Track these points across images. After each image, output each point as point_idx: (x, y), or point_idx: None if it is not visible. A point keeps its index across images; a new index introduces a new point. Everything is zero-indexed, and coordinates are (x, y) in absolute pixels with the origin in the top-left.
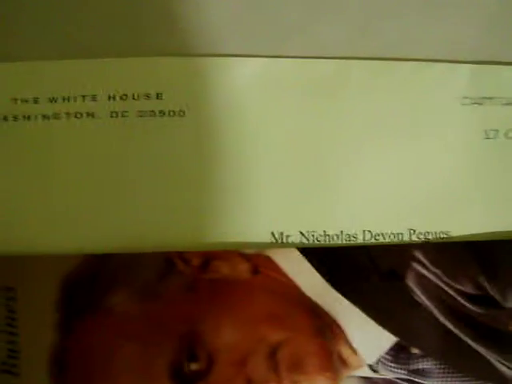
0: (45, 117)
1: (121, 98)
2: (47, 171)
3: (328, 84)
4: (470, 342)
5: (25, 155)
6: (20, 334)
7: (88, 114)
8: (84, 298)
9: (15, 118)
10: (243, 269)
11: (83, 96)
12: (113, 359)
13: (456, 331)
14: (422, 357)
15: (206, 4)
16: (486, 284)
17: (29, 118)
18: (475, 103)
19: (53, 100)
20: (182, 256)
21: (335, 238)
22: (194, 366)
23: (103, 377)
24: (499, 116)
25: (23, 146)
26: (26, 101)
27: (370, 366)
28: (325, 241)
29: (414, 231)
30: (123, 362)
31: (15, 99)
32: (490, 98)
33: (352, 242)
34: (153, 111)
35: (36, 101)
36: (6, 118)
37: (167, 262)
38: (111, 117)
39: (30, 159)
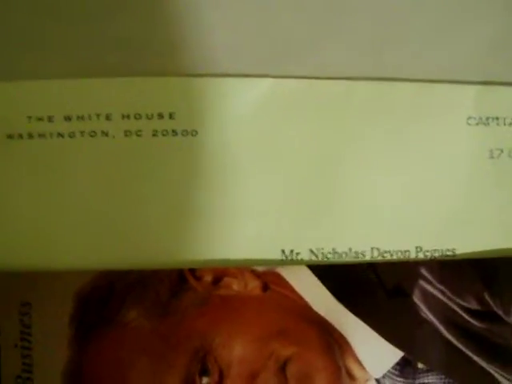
0: (59, 135)
1: (134, 117)
2: (62, 189)
3: (336, 104)
4: (474, 356)
5: (39, 173)
6: (34, 348)
7: (102, 133)
8: (98, 314)
9: (30, 136)
10: (254, 285)
11: (98, 115)
12: (126, 374)
13: (460, 346)
14: (428, 371)
15: (216, 25)
16: (489, 300)
17: (44, 136)
18: (480, 123)
19: (67, 118)
20: (195, 273)
21: (344, 255)
22: (205, 380)
23: None
24: (504, 136)
25: (38, 163)
26: (41, 119)
27: (377, 381)
28: (334, 258)
29: (421, 249)
30: (137, 377)
31: (30, 117)
32: (495, 118)
33: (360, 259)
34: (166, 130)
35: (51, 119)
36: (21, 136)
37: (180, 279)
38: (125, 136)
39: (45, 177)
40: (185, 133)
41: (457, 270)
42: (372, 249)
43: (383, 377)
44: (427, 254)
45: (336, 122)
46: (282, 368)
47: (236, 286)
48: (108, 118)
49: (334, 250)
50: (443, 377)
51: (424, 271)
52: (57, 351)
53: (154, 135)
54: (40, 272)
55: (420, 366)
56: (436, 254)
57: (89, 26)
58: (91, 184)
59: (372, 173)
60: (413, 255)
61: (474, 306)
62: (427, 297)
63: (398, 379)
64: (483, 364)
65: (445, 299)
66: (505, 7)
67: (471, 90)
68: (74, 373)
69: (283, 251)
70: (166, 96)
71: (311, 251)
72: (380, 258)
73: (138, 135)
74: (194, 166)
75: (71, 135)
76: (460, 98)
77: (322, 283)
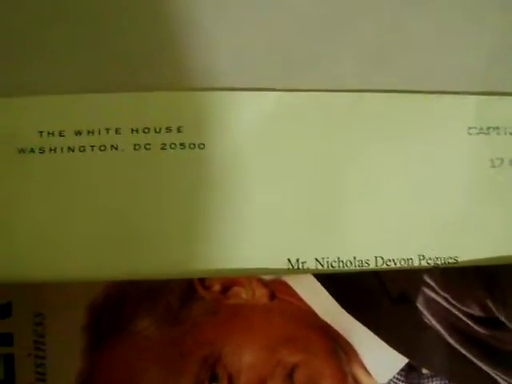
0: (70, 149)
1: (143, 131)
2: (73, 202)
3: (341, 116)
4: (477, 362)
5: (51, 186)
6: (48, 357)
7: (112, 147)
8: (110, 323)
9: (41, 151)
10: (261, 294)
11: (107, 129)
12: (138, 381)
13: (464, 352)
14: (432, 376)
15: (223, 40)
16: (492, 306)
17: (55, 150)
18: (481, 133)
19: (78, 133)
20: (204, 283)
21: (348, 263)
22: None
23: None
24: (504, 145)
25: (49, 177)
26: (52, 134)
27: None
28: (339, 266)
29: (424, 257)
30: None
31: (41, 132)
32: (496, 128)
33: (364, 267)
34: (174, 144)
35: (61, 134)
36: (32, 150)
37: (190, 289)
38: (134, 149)
39: (56, 190)
40: (192, 146)
41: (460, 277)
42: (376, 257)
43: (388, 383)
44: (430, 261)
45: (340, 134)
46: (290, 375)
47: (244, 294)
48: (117, 132)
49: (338, 258)
50: (447, 382)
51: (427, 278)
52: (70, 360)
53: (162, 148)
54: (53, 283)
55: (424, 371)
56: (439, 262)
57: (99, 43)
58: (102, 197)
59: (376, 183)
60: (416, 263)
61: (477, 312)
62: (431, 304)
63: None
64: (487, 369)
65: (448, 306)
66: (505, 18)
67: (472, 100)
68: (87, 381)
69: (289, 260)
70: (174, 110)
71: (317, 260)
72: (384, 266)
73: (147, 149)
74: (202, 178)
75: (82, 149)
76: (461, 109)
77: (328, 291)
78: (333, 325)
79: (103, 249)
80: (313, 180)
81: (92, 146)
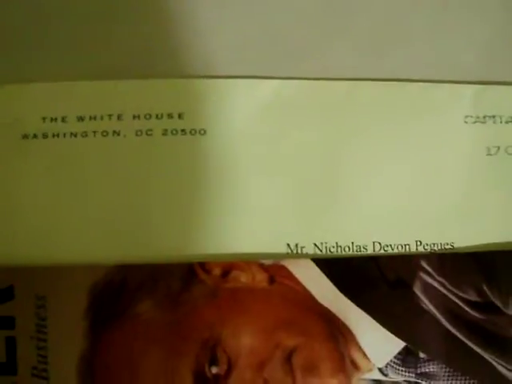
0: (73, 135)
1: (145, 117)
2: (75, 186)
3: (339, 103)
4: (473, 346)
5: (54, 171)
6: (50, 340)
7: (114, 133)
8: (111, 306)
9: (44, 136)
10: (261, 278)
11: (109, 115)
12: (139, 365)
13: (460, 336)
14: (429, 360)
15: (223, 30)
16: (488, 292)
17: (57, 135)
18: (478, 121)
19: (80, 119)
20: (204, 266)
21: (346, 249)
22: (214, 370)
23: (130, 382)
24: (500, 133)
25: (52, 162)
26: (55, 119)
27: (380, 370)
28: (337, 252)
29: (421, 242)
30: (149, 368)
31: (44, 118)
32: (492, 117)
33: (362, 252)
34: (175, 130)
35: (64, 120)
36: (35, 136)
37: (190, 272)
38: (136, 135)
39: (59, 175)
40: (193, 132)
41: (456, 263)
42: (374, 243)
43: (386, 366)
44: (427, 247)
45: (338, 121)
46: (288, 358)
47: (244, 278)
48: (119, 118)
49: (337, 244)
50: (444, 366)
51: (424, 264)
52: (71, 343)
53: (163, 134)
54: (55, 266)
55: (421, 355)
56: (435, 248)
57: (101, 31)
58: (104, 181)
59: (373, 170)
60: (413, 249)
61: (473, 297)
62: (427, 289)
63: (400, 368)
64: (482, 353)
65: (445, 291)
66: (502, 8)
67: (468, 89)
68: (89, 363)
69: (289, 245)
70: (176, 97)
71: (315, 245)
72: (382, 251)
73: (149, 134)
74: (203, 164)
75: (84, 135)
76: (457, 98)
77: (326, 276)
78: (331, 309)
79: (105, 233)
80: (311, 166)
81: (94, 132)
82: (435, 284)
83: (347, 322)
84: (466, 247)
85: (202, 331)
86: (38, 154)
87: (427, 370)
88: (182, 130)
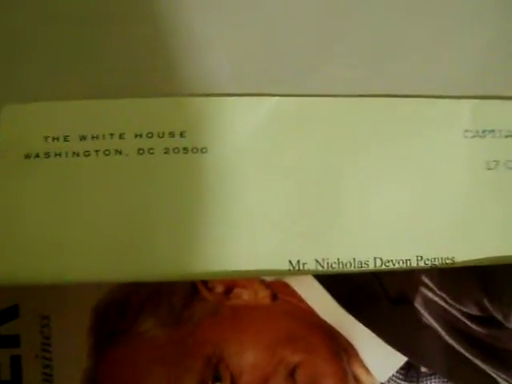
0: (75, 154)
1: (147, 136)
2: (78, 205)
3: (339, 120)
4: (474, 360)
5: (56, 190)
6: (54, 358)
7: (116, 151)
8: (115, 325)
9: (47, 155)
10: (263, 295)
11: (111, 134)
12: (143, 381)
13: (462, 350)
14: (431, 375)
15: (223, 49)
16: (489, 306)
17: (60, 155)
18: (477, 136)
19: (83, 138)
20: (207, 284)
21: (348, 265)
22: None
23: None
24: (500, 148)
25: (54, 181)
26: (57, 139)
27: None
28: (338, 268)
29: (422, 257)
30: (153, 383)
31: (47, 137)
32: (491, 131)
33: (364, 268)
34: (177, 148)
35: (66, 139)
36: (38, 155)
37: (193, 290)
38: (138, 154)
39: (61, 194)
40: (195, 150)
41: (457, 278)
42: (375, 258)
43: (388, 381)
44: (428, 262)
45: (339, 138)
46: (291, 374)
47: (246, 296)
48: (121, 137)
49: (338, 260)
50: (446, 380)
51: (425, 279)
52: (76, 361)
53: (165, 153)
54: (59, 285)
55: (423, 369)
56: (436, 263)
57: (103, 49)
58: (106, 200)
59: (374, 186)
60: (414, 264)
61: (474, 311)
62: (429, 303)
63: (403, 383)
64: (484, 367)
65: (446, 305)
66: (499, 23)
67: (467, 104)
68: (93, 381)
69: (290, 262)
70: (177, 115)
71: (317, 261)
72: (383, 267)
73: (151, 153)
74: (205, 181)
75: (86, 154)
76: (457, 112)
77: (328, 292)
78: (333, 325)
79: (108, 252)
80: (312, 183)
81: (96, 151)
82: (436, 299)
83: (350, 338)
84: (467, 261)
85: (206, 348)
86: (41, 174)
87: None
88: (184, 149)
